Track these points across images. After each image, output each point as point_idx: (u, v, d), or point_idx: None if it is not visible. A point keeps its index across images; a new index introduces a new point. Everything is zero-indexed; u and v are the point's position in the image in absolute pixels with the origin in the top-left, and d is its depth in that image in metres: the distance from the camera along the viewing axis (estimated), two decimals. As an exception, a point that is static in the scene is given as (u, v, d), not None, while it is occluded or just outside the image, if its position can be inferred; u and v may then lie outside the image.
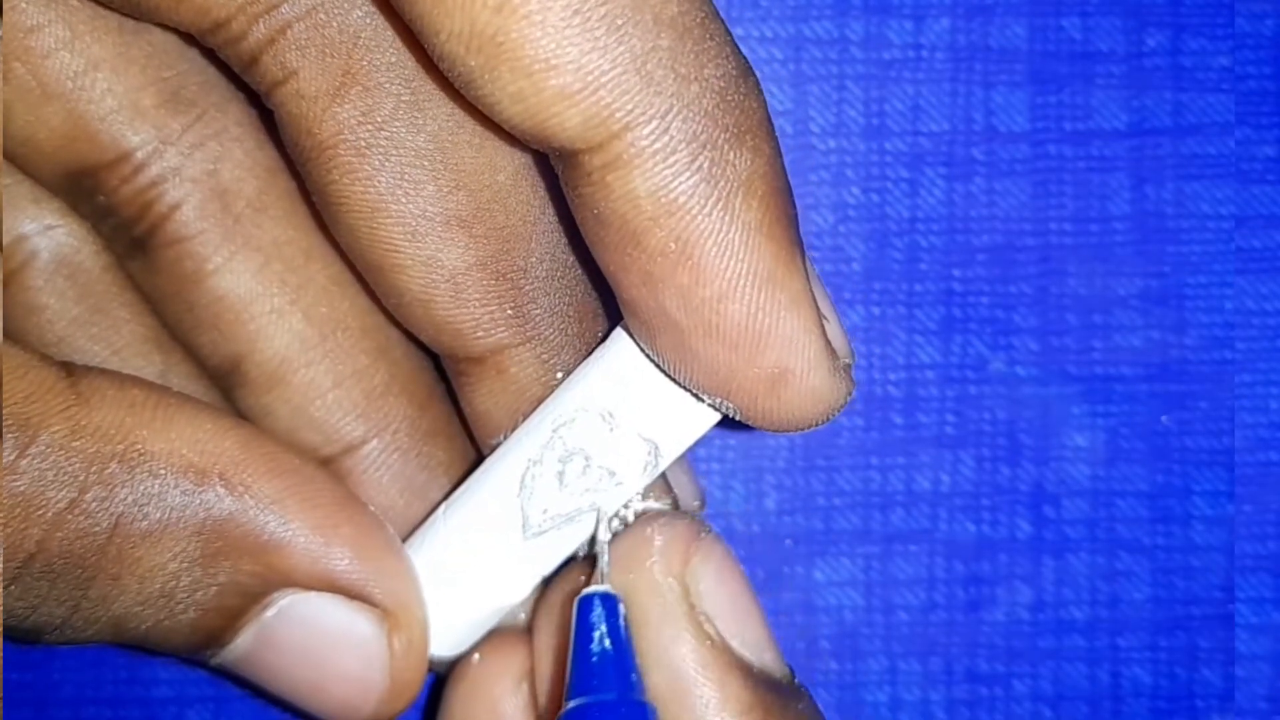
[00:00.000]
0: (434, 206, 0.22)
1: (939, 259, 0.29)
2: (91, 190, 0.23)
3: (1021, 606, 0.29)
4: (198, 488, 0.21)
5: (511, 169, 0.23)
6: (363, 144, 0.22)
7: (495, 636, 0.25)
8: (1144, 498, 0.29)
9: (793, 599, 0.29)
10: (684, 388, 0.22)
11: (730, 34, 0.20)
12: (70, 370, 0.21)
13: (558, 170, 0.21)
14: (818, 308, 0.20)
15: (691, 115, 0.19)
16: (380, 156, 0.22)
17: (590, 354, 0.23)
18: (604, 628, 0.21)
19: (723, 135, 0.19)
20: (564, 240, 0.24)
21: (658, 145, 0.19)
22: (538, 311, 0.23)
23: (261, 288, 0.24)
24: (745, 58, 0.20)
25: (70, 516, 0.20)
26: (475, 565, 0.23)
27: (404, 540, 0.24)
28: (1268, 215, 0.30)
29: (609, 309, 0.24)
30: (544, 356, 0.24)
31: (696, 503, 0.26)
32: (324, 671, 0.23)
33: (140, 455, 0.21)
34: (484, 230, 0.23)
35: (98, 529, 0.20)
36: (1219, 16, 0.29)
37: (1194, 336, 0.29)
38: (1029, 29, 0.29)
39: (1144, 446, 0.29)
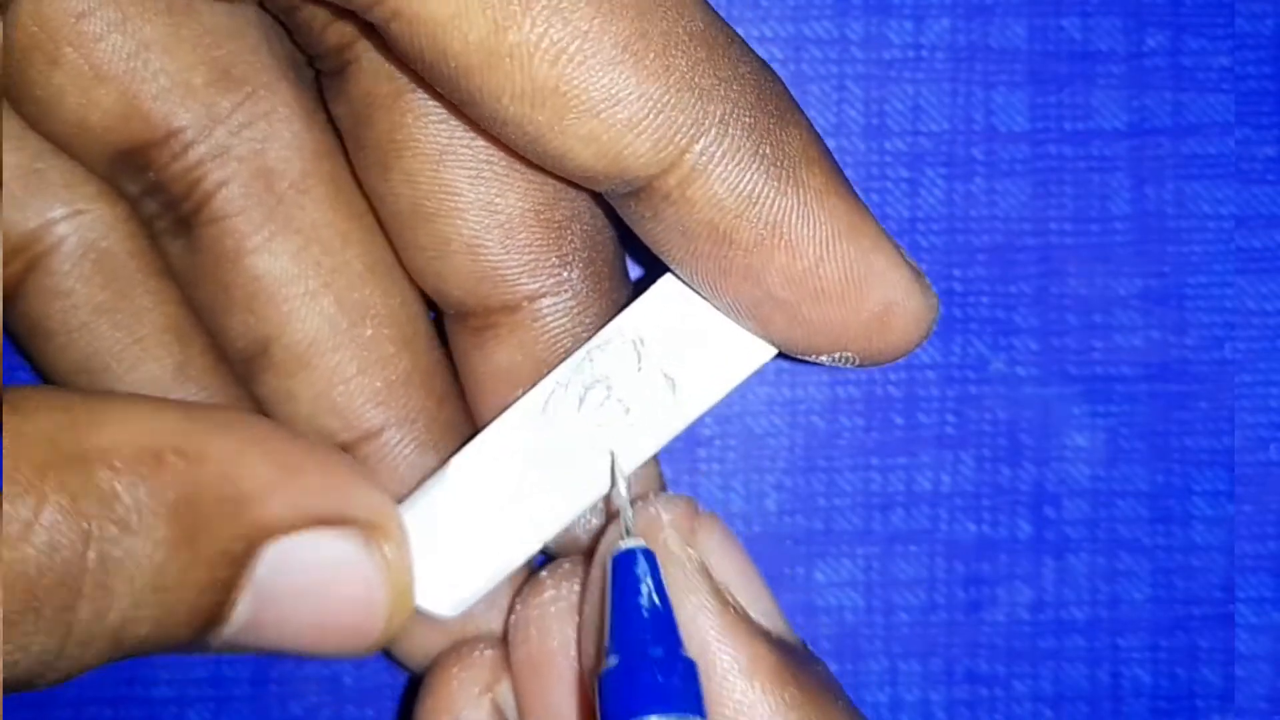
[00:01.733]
0: (499, 150, 0.23)
1: (939, 259, 0.29)
2: (142, 167, 0.24)
3: (1022, 607, 0.29)
4: (156, 470, 0.20)
5: None
6: None
7: (459, 646, 0.25)
8: (1144, 498, 0.29)
9: (793, 600, 0.29)
10: (807, 359, 0.23)
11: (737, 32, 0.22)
12: None
13: (625, 207, 0.22)
14: (893, 242, 0.22)
15: (743, 111, 0.21)
16: None
17: (618, 308, 0.24)
18: (650, 581, 0.21)
19: (771, 120, 0.21)
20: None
21: (725, 148, 0.20)
22: (578, 262, 0.24)
23: (298, 269, 0.24)
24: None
25: (38, 528, 0.19)
26: (481, 511, 0.23)
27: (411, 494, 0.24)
28: (1268, 215, 0.30)
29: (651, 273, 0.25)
30: (576, 308, 0.24)
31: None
32: (328, 606, 0.22)
33: (89, 452, 0.20)
34: (540, 177, 0.23)
35: (71, 539, 0.20)
36: (1219, 16, 0.29)
37: (1194, 336, 0.29)
38: (1029, 29, 0.29)
39: (1144, 446, 0.29)
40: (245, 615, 0.22)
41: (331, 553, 0.22)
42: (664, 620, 0.21)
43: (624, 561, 0.22)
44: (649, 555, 0.22)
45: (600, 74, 0.20)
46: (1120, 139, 0.29)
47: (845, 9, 0.29)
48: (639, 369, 0.23)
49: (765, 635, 0.22)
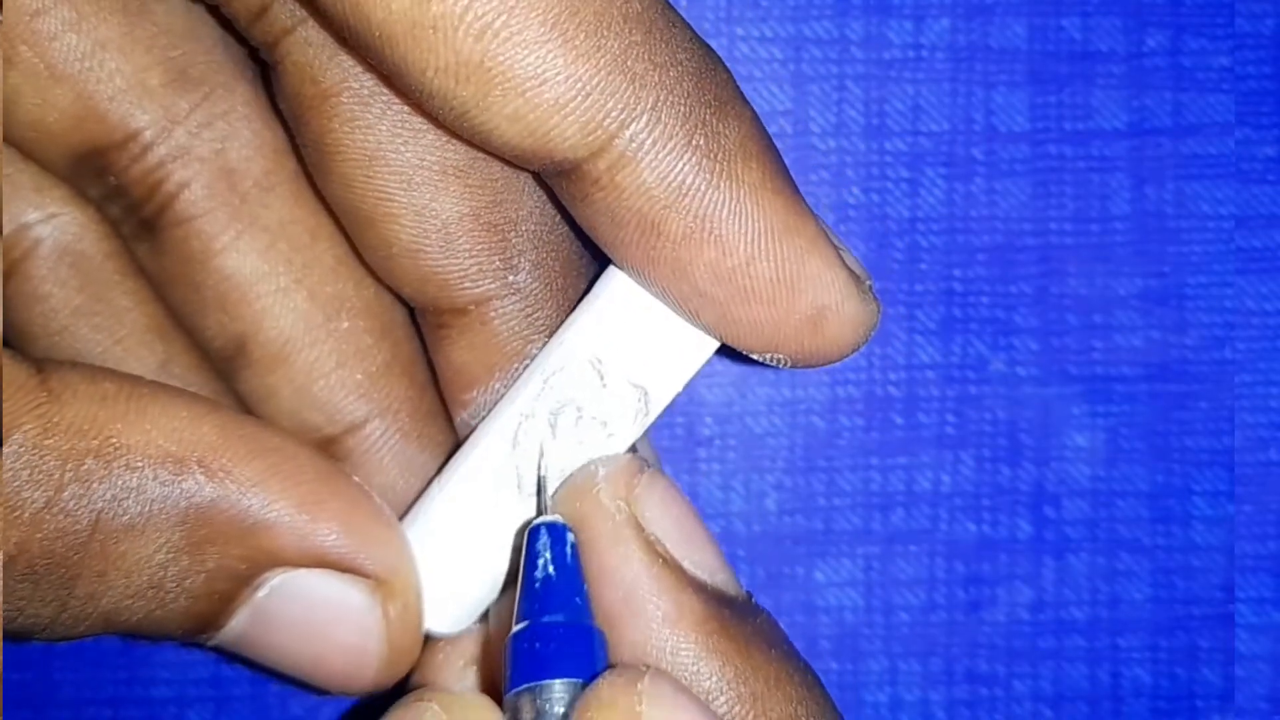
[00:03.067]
0: (431, 155, 0.23)
1: (939, 259, 0.29)
2: (102, 170, 0.23)
3: (1022, 607, 0.29)
4: (176, 477, 0.21)
5: None
6: (366, 92, 0.22)
7: None
8: (1144, 498, 0.29)
9: (793, 599, 0.29)
10: (725, 344, 0.22)
11: (683, 17, 0.21)
12: (41, 367, 0.21)
13: (559, 188, 0.21)
14: (834, 242, 0.21)
15: (677, 99, 0.20)
16: (383, 104, 0.22)
17: (575, 306, 0.23)
18: (549, 554, 0.21)
19: (708, 111, 0.20)
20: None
21: (655, 135, 0.20)
22: (524, 264, 0.24)
23: (268, 267, 0.24)
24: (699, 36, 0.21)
25: (48, 516, 0.20)
26: (472, 534, 0.24)
27: (401, 518, 0.24)
28: (1268, 215, 0.30)
29: (600, 265, 0.25)
30: (526, 310, 0.24)
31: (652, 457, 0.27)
32: (322, 646, 0.23)
33: (115, 449, 0.20)
34: (477, 181, 0.23)
35: (78, 527, 0.20)
36: (1219, 16, 0.29)
37: (1194, 336, 0.29)
38: (1029, 29, 0.29)
39: (1144, 446, 0.29)
40: (240, 628, 0.22)
41: (333, 596, 0.22)
42: (564, 590, 0.21)
43: (530, 536, 0.22)
44: (553, 529, 0.22)
45: (526, 51, 0.19)
46: (1120, 139, 0.29)
47: (845, 9, 0.29)
48: (604, 385, 0.23)
49: (696, 585, 0.22)
